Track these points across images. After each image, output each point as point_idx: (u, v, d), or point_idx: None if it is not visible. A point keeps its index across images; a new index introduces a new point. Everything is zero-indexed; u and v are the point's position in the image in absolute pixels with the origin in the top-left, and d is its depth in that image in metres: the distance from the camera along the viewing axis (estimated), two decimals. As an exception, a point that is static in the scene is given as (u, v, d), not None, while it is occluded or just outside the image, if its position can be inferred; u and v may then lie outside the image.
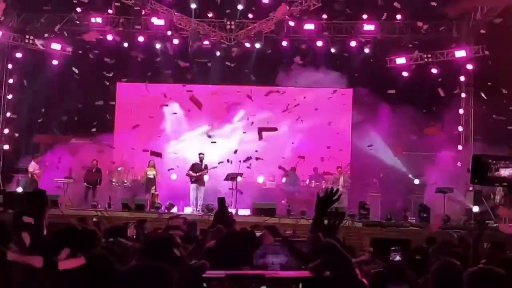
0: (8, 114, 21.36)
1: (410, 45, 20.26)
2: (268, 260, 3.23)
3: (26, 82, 20.77)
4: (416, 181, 19.30)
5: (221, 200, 4.82)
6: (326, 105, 20.11)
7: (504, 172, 3.94)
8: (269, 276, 2.01)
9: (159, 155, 19.12)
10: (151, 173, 18.89)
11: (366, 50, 20.52)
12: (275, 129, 19.31)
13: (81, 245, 3.49)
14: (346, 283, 2.48)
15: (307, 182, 19.34)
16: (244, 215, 16.29)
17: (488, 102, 18.90)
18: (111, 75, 20.60)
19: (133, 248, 6.30)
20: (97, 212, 16.39)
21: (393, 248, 8.74)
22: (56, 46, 20.90)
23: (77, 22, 20.85)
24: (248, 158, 18.77)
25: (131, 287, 2.47)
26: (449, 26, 20.40)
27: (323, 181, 19.18)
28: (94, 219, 8.54)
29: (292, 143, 20.13)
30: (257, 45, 20.71)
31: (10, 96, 21.38)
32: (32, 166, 18.92)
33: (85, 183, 18.65)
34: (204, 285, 1.96)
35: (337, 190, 3.76)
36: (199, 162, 18.31)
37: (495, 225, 15.84)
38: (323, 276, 2.18)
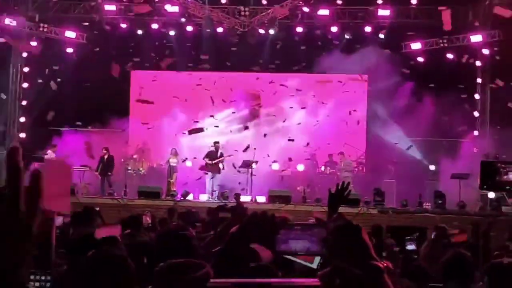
0: (24, 103, 21.46)
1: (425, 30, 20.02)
2: (291, 246, 3.23)
3: (41, 71, 20.79)
4: (432, 167, 19.22)
5: (237, 196, 4.89)
6: (341, 92, 20.02)
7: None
8: (276, 284, 2.01)
9: (200, 130, 18.30)
10: (173, 161, 18.84)
11: (381, 36, 20.28)
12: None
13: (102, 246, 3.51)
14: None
15: (322, 169, 19.33)
16: (260, 202, 16.31)
17: (504, 87, 18.66)
18: (125, 63, 20.61)
19: (149, 238, 6.37)
20: (113, 200, 16.55)
21: (408, 237, 8.77)
22: (70, 34, 20.93)
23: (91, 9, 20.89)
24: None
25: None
26: (465, 10, 20.15)
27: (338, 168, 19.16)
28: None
29: (317, 121, 19.91)
30: (271, 31, 20.61)
31: (25, 85, 21.46)
32: (49, 155, 19.04)
33: (98, 172, 18.73)
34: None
35: (348, 184, 3.75)
36: (214, 150, 18.32)
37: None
38: (334, 284, 2.17)
